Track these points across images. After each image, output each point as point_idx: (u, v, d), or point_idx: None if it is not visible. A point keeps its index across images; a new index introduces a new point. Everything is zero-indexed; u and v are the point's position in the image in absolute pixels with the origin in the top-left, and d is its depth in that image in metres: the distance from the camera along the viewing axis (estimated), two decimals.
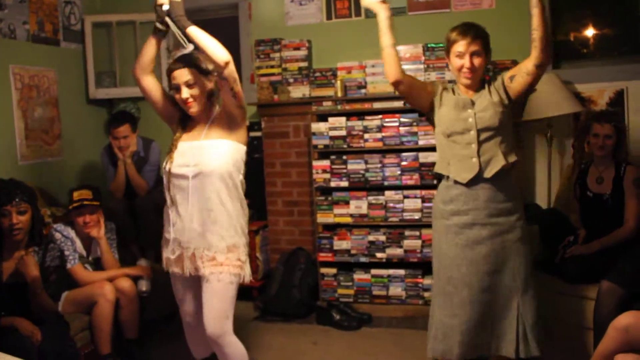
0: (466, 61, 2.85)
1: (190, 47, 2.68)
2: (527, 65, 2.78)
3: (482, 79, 2.94)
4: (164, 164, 2.74)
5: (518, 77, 2.81)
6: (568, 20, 4.72)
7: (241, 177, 2.78)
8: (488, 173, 2.83)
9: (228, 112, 2.72)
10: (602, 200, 3.56)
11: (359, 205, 4.47)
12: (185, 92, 2.70)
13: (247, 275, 2.76)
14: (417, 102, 3.02)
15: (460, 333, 2.83)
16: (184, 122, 2.81)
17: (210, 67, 2.71)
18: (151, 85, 2.80)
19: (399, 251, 4.41)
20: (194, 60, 2.69)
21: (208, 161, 2.65)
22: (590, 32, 4.73)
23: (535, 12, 2.73)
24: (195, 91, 2.71)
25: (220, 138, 2.72)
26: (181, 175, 2.68)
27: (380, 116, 4.40)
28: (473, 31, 2.86)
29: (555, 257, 3.58)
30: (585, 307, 3.25)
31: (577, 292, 3.35)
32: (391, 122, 4.39)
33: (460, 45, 2.85)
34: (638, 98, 4.31)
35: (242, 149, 2.78)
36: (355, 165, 4.47)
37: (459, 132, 2.87)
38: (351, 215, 4.50)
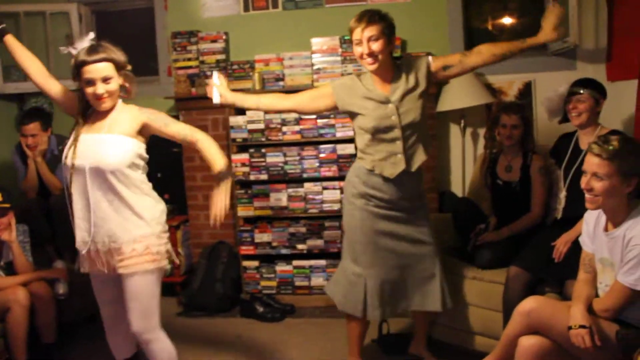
0: (364, 47, 2.86)
1: (90, 36, 2.62)
2: (471, 62, 2.87)
3: (396, 65, 2.96)
4: (64, 157, 2.65)
5: (455, 69, 2.88)
6: (480, 11, 4.79)
7: (141, 173, 2.73)
8: (412, 167, 2.95)
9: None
10: (511, 187, 3.62)
11: (278, 198, 4.49)
12: (101, 88, 2.61)
13: (166, 267, 2.74)
14: (327, 109, 3.07)
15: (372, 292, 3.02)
16: (86, 112, 2.72)
17: (124, 59, 2.65)
18: (55, 90, 2.77)
19: (319, 242, 4.46)
20: (111, 54, 2.62)
21: (106, 156, 2.58)
22: (501, 23, 4.82)
23: (525, 45, 2.86)
24: (112, 86, 2.63)
25: (121, 134, 2.65)
26: (80, 168, 2.61)
27: None
28: (367, 16, 2.88)
29: (468, 244, 3.62)
30: (496, 291, 3.32)
31: (489, 277, 3.42)
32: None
33: (357, 33, 2.88)
34: (544, 90, 4.34)
35: (142, 146, 2.72)
36: (274, 158, 4.49)
37: (382, 130, 2.91)
38: (271, 208, 4.52)
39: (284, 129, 4.45)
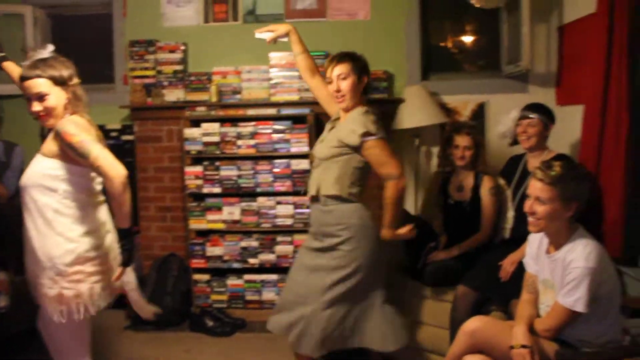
0: (333, 85, 2.98)
1: (49, 49, 2.51)
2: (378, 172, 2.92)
3: (364, 107, 3.02)
4: None
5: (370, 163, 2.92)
6: (437, 31, 4.85)
7: (58, 199, 2.46)
8: (321, 195, 3.02)
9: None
10: (462, 207, 3.63)
11: (231, 212, 4.45)
12: (36, 106, 2.46)
13: (79, 310, 2.47)
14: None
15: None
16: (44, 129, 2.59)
17: (66, 74, 2.49)
18: None
19: (271, 257, 4.43)
20: (48, 70, 2.46)
21: (29, 175, 2.45)
22: (457, 44, 4.87)
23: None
24: (49, 103, 2.47)
25: (43, 153, 2.49)
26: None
27: (253, 123, 4.39)
28: (338, 56, 3.00)
29: (418, 262, 3.60)
30: (445, 309, 3.33)
31: (438, 296, 3.44)
32: (264, 129, 4.40)
33: (328, 71, 3.00)
34: (497, 111, 4.44)
35: (61, 167, 2.47)
36: (228, 171, 4.45)
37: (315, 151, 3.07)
38: (224, 222, 4.48)
39: (239, 142, 4.42)
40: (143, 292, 4.34)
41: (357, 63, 2.95)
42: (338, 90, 2.93)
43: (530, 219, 2.41)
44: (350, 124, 2.91)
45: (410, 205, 4.56)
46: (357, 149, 2.88)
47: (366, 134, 2.85)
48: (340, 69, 2.93)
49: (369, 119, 2.88)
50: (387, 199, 2.83)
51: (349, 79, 2.91)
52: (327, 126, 3.07)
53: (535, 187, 2.40)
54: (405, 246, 3.70)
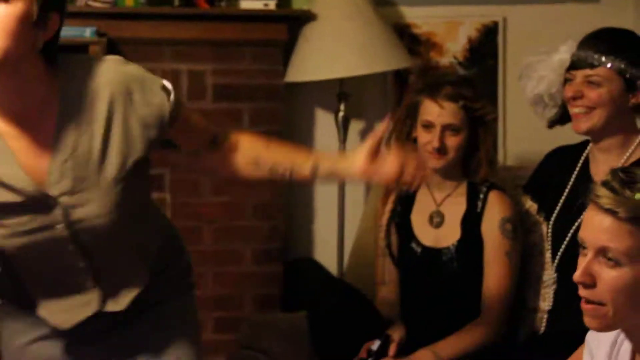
0: None
1: None
2: (211, 162, 2.00)
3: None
4: None
5: (181, 157, 2.02)
6: None
7: None
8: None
9: None
10: (440, 260, 2.62)
11: None
12: None
13: None
14: None
15: None
16: None
17: None
18: None
19: None
20: None
21: None
22: None
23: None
24: None
25: None
26: None
27: None
28: None
29: None
30: None
31: None
32: None
33: None
34: (521, 45, 3.06)
35: None
36: None
37: None
38: None
39: None
40: None
41: None
42: None
43: (585, 304, 1.50)
44: None
45: (328, 252, 3.25)
46: None
47: None
48: None
49: None
50: None
51: None
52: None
53: (597, 225, 1.52)
54: (313, 344, 2.72)
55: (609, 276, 1.55)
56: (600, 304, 1.51)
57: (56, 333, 1.84)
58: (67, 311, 1.77)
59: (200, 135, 1.80)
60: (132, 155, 1.60)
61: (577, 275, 1.53)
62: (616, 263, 1.54)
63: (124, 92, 1.57)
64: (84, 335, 1.85)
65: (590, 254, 1.57)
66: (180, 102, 1.74)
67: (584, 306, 1.53)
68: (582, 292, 1.52)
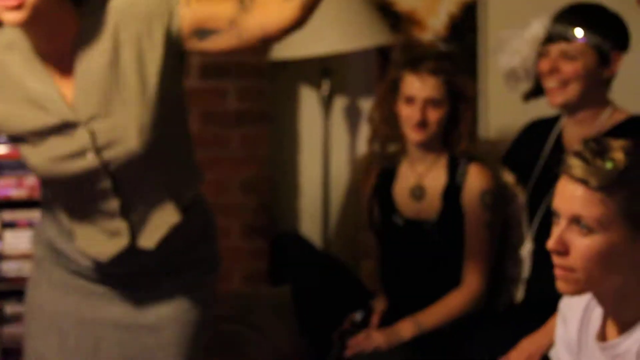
0: None
1: None
2: (253, 28, 1.91)
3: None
4: None
5: (222, 38, 1.97)
6: None
7: None
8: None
9: None
10: (422, 233, 2.67)
11: None
12: None
13: None
14: None
15: None
16: None
17: None
18: None
19: None
20: None
21: None
22: None
23: None
24: None
25: None
26: None
27: None
28: None
29: (329, 353, 2.65)
30: None
31: None
32: None
33: None
34: (501, 21, 3.12)
35: None
36: None
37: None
38: None
39: None
40: None
41: None
42: None
43: (558, 269, 1.59)
44: None
45: (312, 226, 3.30)
46: None
47: None
48: None
49: None
50: None
51: None
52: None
53: (567, 195, 1.59)
54: (298, 317, 2.79)
55: (581, 244, 1.58)
56: (572, 270, 1.58)
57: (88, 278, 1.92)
58: (100, 243, 1.84)
59: (224, 6, 1.77)
60: (151, 69, 1.66)
61: (550, 243, 1.59)
62: (589, 231, 1.57)
63: (130, 14, 1.66)
64: (115, 280, 1.94)
65: (563, 223, 1.60)
66: None
67: (557, 272, 1.61)
68: (555, 259, 1.59)
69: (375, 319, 2.60)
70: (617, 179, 1.57)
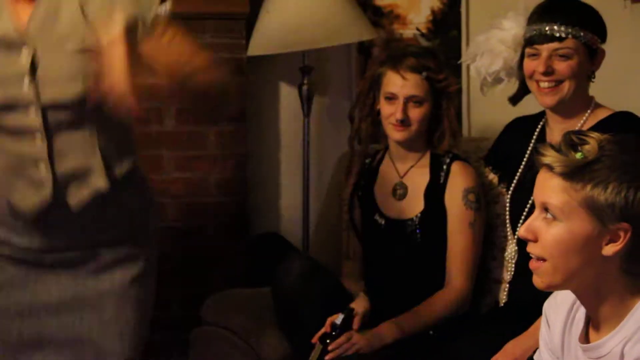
0: None
1: None
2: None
3: None
4: None
5: None
6: None
7: None
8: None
9: None
10: (404, 232, 2.65)
11: None
12: None
13: None
14: None
15: None
16: None
17: None
18: None
19: None
20: None
21: None
22: None
23: None
24: None
25: None
26: None
27: None
28: None
29: (309, 356, 2.54)
30: None
31: None
32: None
33: None
34: (488, 11, 3.01)
35: None
36: None
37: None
38: None
39: None
40: None
41: None
42: None
43: (533, 261, 1.59)
44: None
45: (292, 227, 3.33)
46: None
47: None
48: None
49: None
50: None
51: None
52: None
53: (539, 184, 1.63)
54: (278, 319, 2.71)
55: (547, 232, 1.59)
56: (542, 259, 1.58)
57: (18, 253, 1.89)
58: (24, 193, 1.85)
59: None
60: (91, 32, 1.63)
61: (520, 231, 1.64)
62: (554, 218, 1.58)
63: None
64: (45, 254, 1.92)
65: (536, 211, 1.62)
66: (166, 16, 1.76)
67: (531, 264, 1.62)
68: (528, 248, 1.61)
69: (356, 322, 2.52)
70: (583, 168, 1.57)
